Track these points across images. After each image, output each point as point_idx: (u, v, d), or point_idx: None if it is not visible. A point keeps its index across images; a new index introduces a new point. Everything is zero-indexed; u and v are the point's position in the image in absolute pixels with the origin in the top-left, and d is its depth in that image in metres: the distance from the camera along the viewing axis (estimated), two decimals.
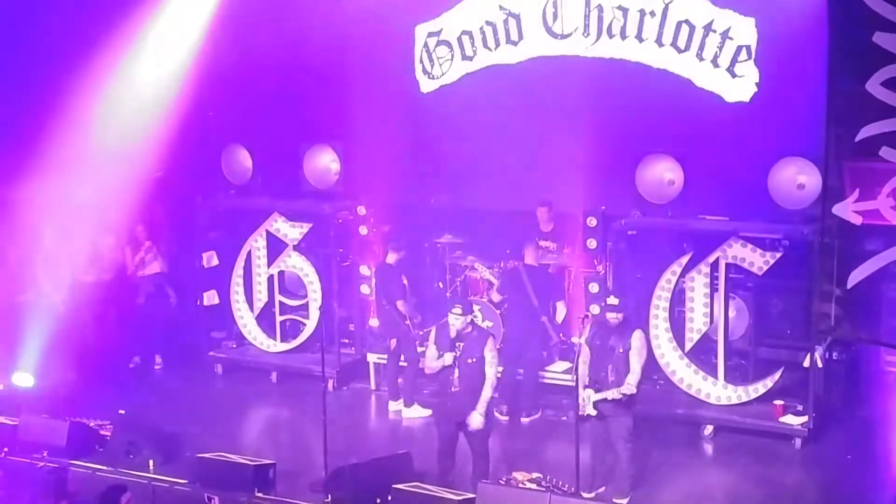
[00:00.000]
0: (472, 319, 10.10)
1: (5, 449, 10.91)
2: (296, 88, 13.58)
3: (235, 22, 13.30)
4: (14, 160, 13.26)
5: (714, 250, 11.35)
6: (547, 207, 12.60)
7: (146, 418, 11.56)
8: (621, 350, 9.75)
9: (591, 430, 9.86)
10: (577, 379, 9.78)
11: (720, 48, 11.40)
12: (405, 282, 12.43)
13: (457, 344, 9.88)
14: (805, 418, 11.05)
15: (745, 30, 11.28)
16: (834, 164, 9.87)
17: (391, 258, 12.42)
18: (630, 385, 9.63)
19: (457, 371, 9.86)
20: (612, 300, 9.93)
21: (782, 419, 11.17)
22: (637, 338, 9.81)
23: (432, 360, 9.97)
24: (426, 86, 13.06)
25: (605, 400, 9.69)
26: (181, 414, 12.10)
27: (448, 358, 9.87)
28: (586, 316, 10.10)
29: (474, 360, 9.84)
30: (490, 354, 9.85)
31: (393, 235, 12.88)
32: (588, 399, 9.67)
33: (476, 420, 9.82)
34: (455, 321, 9.85)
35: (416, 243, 13.02)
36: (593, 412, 9.73)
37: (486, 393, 9.82)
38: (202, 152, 13.90)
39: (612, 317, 9.85)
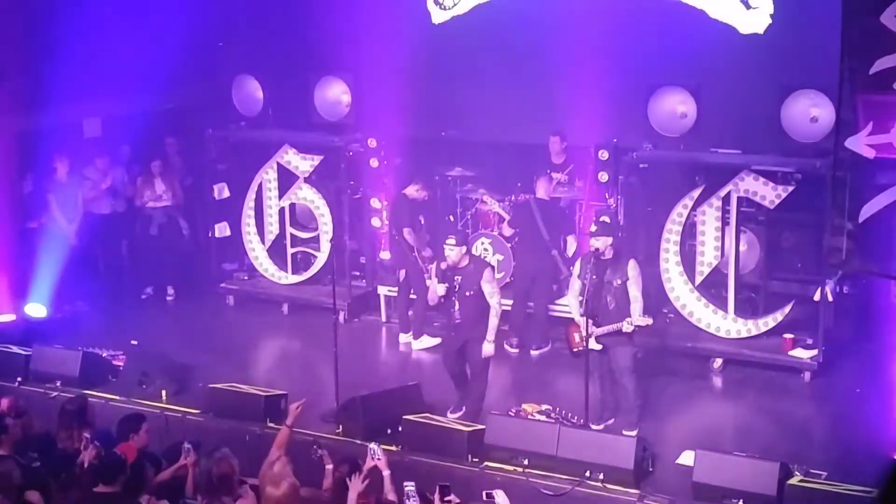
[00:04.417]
0: (467, 251, 10.05)
1: (18, 378, 11.02)
2: (306, 19, 13.45)
3: None
4: (27, 91, 13.22)
5: (726, 184, 11.28)
6: (559, 137, 12.50)
7: (158, 349, 11.63)
8: (619, 282, 9.70)
9: (595, 363, 9.84)
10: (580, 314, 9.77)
11: None
12: (422, 220, 12.37)
13: (455, 277, 9.88)
14: (815, 352, 11.05)
15: None
16: (847, 97, 9.80)
17: (410, 190, 12.20)
18: (640, 316, 9.57)
19: (457, 304, 9.90)
20: (603, 218, 9.89)
21: (792, 353, 11.16)
22: (632, 267, 9.73)
23: (433, 292, 10.02)
24: (438, 17, 12.96)
25: (612, 332, 9.68)
26: (193, 345, 12.16)
27: (441, 289, 9.89)
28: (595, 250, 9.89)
29: (472, 292, 9.84)
30: (489, 286, 9.83)
31: (420, 175, 12.55)
32: (592, 334, 9.58)
33: (487, 349, 9.87)
34: (450, 252, 9.83)
35: (427, 176, 12.98)
36: (597, 346, 9.73)
37: (493, 322, 9.83)
38: (212, 83, 13.82)
39: (597, 242, 9.68)
